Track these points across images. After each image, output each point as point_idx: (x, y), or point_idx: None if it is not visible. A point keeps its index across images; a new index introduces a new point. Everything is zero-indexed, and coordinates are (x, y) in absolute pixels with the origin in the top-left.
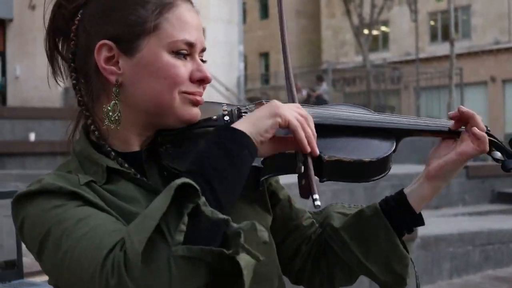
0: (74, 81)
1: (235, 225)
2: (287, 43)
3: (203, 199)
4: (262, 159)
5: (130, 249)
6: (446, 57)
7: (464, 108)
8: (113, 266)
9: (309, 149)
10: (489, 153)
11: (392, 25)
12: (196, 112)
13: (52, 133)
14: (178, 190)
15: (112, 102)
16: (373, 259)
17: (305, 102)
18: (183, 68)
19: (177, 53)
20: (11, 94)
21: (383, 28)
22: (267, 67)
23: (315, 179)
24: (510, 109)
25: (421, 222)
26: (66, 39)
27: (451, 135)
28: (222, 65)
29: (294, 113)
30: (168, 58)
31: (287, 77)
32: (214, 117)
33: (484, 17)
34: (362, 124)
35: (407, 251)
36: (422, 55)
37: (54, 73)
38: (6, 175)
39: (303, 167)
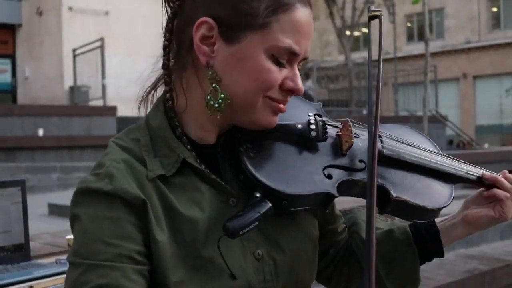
0: (166, 42)
1: None
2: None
3: None
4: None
5: None
6: (421, 56)
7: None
8: None
9: None
10: None
11: (372, 27)
12: (274, 121)
13: (59, 128)
14: None
15: (212, 86)
16: (392, 280)
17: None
18: (277, 74)
19: (276, 60)
20: (21, 93)
21: (364, 30)
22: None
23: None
24: (480, 103)
25: (441, 255)
26: (173, 16)
27: (484, 186)
28: None
29: None
30: (265, 60)
31: (374, 110)
32: (299, 125)
33: (456, 19)
34: (431, 166)
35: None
36: (399, 54)
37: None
38: (16, 167)
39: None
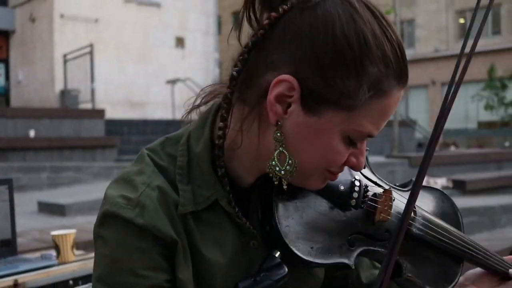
0: (235, 73)
1: None
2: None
3: None
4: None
5: None
6: None
7: None
8: None
9: None
10: None
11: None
12: (320, 187)
13: (50, 130)
14: None
15: (280, 150)
16: None
17: None
18: (345, 155)
19: (351, 142)
20: (14, 96)
21: None
22: None
23: None
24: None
25: None
26: (265, 10)
27: (502, 276)
28: (200, 70)
29: None
30: (338, 141)
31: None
32: (342, 187)
33: (426, 29)
34: (450, 250)
35: None
36: None
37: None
38: (9, 167)
39: None
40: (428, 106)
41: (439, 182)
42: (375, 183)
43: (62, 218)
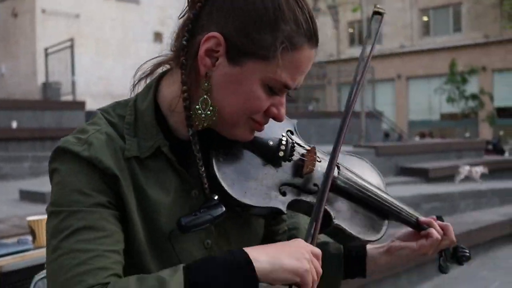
0: (185, 42)
1: None
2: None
3: None
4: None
5: None
6: (358, 58)
7: (442, 224)
8: None
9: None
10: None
11: (318, 32)
12: (250, 137)
13: (32, 121)
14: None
15: (204, 97)
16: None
17: None
18: (265, 102)
19: (270, 90)
20: None
21: None
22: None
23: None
24: (412, 100)
25: (363, 276)
26: (193, 4)
27: (419, 229)
28: None
29: (313, 272)
30: (258, 88)
31: (336, 147)
32: (271, 142)
33: (392, 26)
34: (375, 204)
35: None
36: (342, 57)
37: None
38: None
39: None
40: (394, 99)
41: (478, 170)
42: (303, 146)
43: (43, 205)
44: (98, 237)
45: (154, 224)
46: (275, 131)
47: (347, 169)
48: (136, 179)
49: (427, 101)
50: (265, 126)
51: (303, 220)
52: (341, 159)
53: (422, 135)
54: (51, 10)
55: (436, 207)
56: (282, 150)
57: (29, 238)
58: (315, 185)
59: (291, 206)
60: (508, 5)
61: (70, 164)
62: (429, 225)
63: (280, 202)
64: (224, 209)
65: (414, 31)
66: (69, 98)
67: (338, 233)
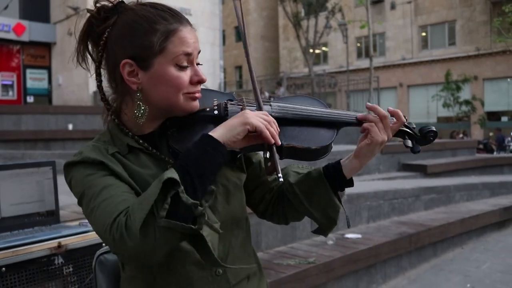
0: (98, 83)
1: (200, 208)
2: (253, 67)
3: (182, 188)
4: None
5: (132, 221)
6: (367, 69)
7: (369, 104)
8: (117, 227)
9: (273, 141)
10: (403, 141)
11: (330, 46)
12: (195, 105)
13: (85, 124)
14: (165, 181)
15: (138, 103)
16: (315, 207)
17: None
18: (185, 76)
19: (179, 65)
20: (55, 97)
21: (323, 48)
22: (240, 76)
23: (278, 161)
24: (413, 106)
25: (351, 184)
26: (95, 46)
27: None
28: (208, 75)
29: (260, 119)
30: (173, 71)
31: (254, 90)
32: (208, 109)
33: (395, 40)
34: (314, 118)
35: (341, 203)
36: (351, 68)
37: (81, 63)
38: (52, 154)
39: (268, 153)
40: (396, 105)
41: None
42: (234, 102)
43: None
44: (113, 188)
45: (144, 187)
46: (210, 103)
47: (278, 103)
48: (123, 162)
49: (426, 106)
50: (202, 103)
51: (290, 167)
52: (277, 100)
53: (457, 133)
54: None
55: (433, 199)
56: (216, 109)
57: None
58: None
59: (242, 151)
60: (497, 22)
61: (74, 170)
62: (364, 119)
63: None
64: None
65: (414, 45)
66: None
67: (295, 152)
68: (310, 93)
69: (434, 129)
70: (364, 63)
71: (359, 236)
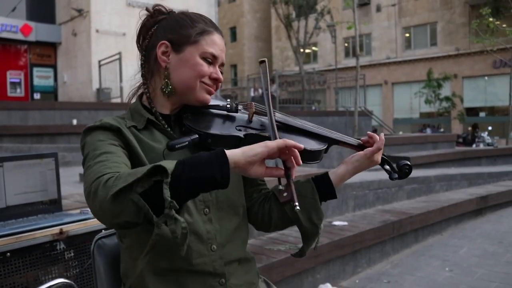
0: (142, 62)
1: (170, 211)
2: (271, 104)
3: (168, 180)
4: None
5: (112, 184)
6: (354, 67)
7: (372, 134)
8: (97, 183)
9: (295, 165)
10: (382, 166)
11: (319, 46)
12: (208, 98)
13: (88, 119)
14: (158, 167)
15: (165, 81)
16: (301, 210)
17: (260, 98)
18: (207, 67)
19: (205, 59)
20: (61, 93)
21: (313, 48)
22: (235, 74)
23: (295, 191)
24: (397, 102)
25: (334, 196)
26: (144, 38)
27: (361, 148)
28: None
29: (280, 143)
30: (199, 59)
31: (271, 125)
32: (221, 104)
33: (380, 41)
34: (308, 129)
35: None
36: (339, 66)
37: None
38: (57, 147)
39: (284, 185)
40: (382, 101)
41: None
42: (244, 104)
43: None
44: (111, 155)
45: (154, 160)
46: (223, 103)
47: (282, 114)
48: (137, 135)
49: (409, 102)
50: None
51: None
52: (289, 119)
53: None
54: (103, 30)
55: (415, 188)
56: (229, 104)
57: (89, 210)
58: (261, 125)
59: (247, 139)
60: (475, 24)
61: (90, 134)
62: (368, 143)
63: (238, 132)
64: (197, 135)
65: (398, 45)
66: (117, 100)
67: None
68: (300, 90)
69: (409, 163)
70: (351, 62)
71: (345, 223)
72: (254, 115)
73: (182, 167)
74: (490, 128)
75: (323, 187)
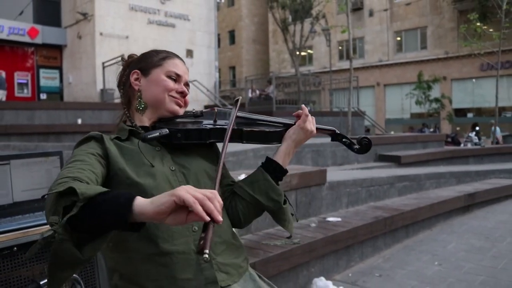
0: (121, 95)
1: (59, 235)
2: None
3: (81, 204)
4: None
5: (52, 186)
6: (348, 70)
7: (298, 111)
8: (52, 184)
9: (207, 219)
10: (341, 141)
11: (314, 49)
12: (177, 109)
13: (92, 118)
14: (68, 190)
15: (138, 100)
16: (258, 192)
17: (258, 99)
18: (172, 84)
19: (170, 77)
20: (66, 94)
21: (309, 51)
22: (234, 75)
23: (210, 239)
24: (388, 103)
25: (284, 171)
26: (122, 77)
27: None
28: (204, 74)
29: (195, 193)
30: (164, 77)
31: (219, 169)
32: (189, 112)
33: (372, 44)
34: (264, 119)
35: (286, 197)
36: (333, 68)
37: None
38: (62, 146)
39: (202, 232)
40: (374, 102)
41: None
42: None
43: None
44: (82, 164)
45: (137, 160)
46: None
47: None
48: (119, 144)
49: (400, 103)
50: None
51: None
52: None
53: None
54: (107, 33)
55: (406, 186)
56: (194, 112)
57: None
58: (225, 123)
59: (212, 132)
60: (463, 28)
61: (77, 147)
62: (298, 114)
63: (204, 127)
64: (167, 129)
65: (390, 48)
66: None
67: (254, 134)
68: (296, 91)
69: (367, 137)
70: (345, 64)
71: (339, 219)
72: (217, 118)
73: (96, 200)
74: (477, 128)
75: (271, 168)
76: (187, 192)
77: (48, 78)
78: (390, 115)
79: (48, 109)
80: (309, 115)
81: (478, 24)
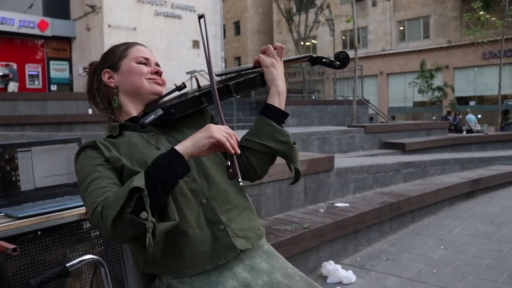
0: (98, 101)
1: (146, 222)
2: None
3: (146, 193)
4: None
5: (106, 215)
6: (352, 59)
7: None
8: (96, 216)
9: (233, 151)
10: (321, 62)
11: (318, 39)
12: (159, 88)
13: None
14: (132, 189)
15: (114, 97)
16: (264, 138)
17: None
18: (144, 67)
19: (139, 62)
20: (76, 85)
21: (313, 41)
22: (239, 65)
23: (238, 168)
24: (391, 92)
25: (285, 114)
26: (92, 83)
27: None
28: None
29: (222, 132)
30: (134, 64)
31: (216, 106)
32: (171, 89)
33: (376, 34)
34: (238, 69)
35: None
36: None
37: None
38: (74, 135)
39: (229, 162)
40: (377, 90)
41: None
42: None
43: None
44: (99, 181)
45: (137, 151)
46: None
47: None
48: (113, 142)
49: (403, 92)
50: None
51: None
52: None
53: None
54: (115, 25)
55: (411, 172)
56: (176, 84)
57: None
58: (208, 86)
59: (202, 96)
60: (466, 17)
61: (77, 160)
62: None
63: (193, 95)
64: (160, 109)
65: (393, 38)
66: None
67: (240, 85)
68: (301, 80)
69: (344, 51)
70: (349, 54)
71: (347, 205)
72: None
73: (151, 176)
74: (479, 116)
75: (271, 113)
76: (221, 133)
77: (58, 70)
78: (393, 104)
79: (60, 99)
80: (261, 54)
81: (482, 12)
